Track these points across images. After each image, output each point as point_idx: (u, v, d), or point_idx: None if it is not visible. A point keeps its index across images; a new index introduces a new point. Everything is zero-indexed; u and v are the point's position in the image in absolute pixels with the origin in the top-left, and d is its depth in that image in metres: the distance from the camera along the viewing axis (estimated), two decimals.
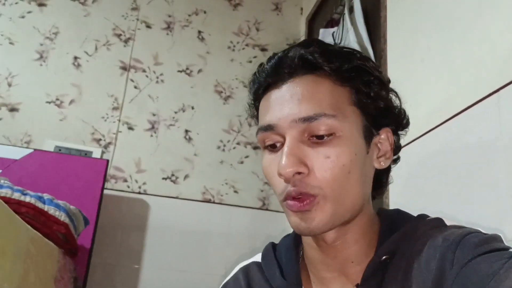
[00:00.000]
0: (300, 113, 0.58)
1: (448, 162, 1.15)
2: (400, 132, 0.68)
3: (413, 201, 1.25)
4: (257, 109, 0.67)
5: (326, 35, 1.97)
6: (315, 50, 0.60)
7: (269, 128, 0.60)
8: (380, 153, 0.63)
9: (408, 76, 1.41)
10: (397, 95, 0.66)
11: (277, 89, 0.61)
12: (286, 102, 0.59)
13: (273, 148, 0.61)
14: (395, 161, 0.69)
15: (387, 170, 0.67)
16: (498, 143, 0.98)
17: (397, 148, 0.67)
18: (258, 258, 0.73)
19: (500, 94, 1.00)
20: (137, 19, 2.44)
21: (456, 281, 0.51)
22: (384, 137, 0.64)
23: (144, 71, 2.37)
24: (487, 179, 1.00)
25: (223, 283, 0.75)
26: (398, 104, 0.66)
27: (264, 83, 0.63)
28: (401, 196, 1.31)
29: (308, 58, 0.60)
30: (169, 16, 2.49)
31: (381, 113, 0.62)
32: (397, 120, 0.66)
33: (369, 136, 0.61)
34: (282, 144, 0.60)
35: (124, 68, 2.34)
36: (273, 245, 0.73)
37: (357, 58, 0.62)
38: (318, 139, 0.58)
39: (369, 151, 0.61)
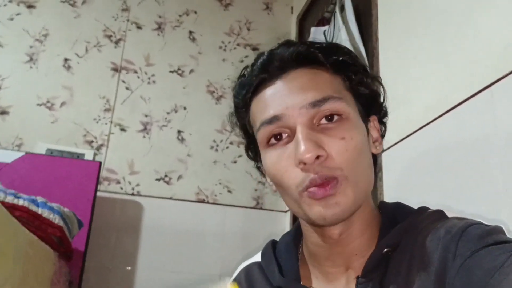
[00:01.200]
0: (307, 99, 0.58)
1: (442, 157, 1.16)
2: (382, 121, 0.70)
3: (408, 197, 1.26)
4: (243, 116, 0.67)
5: (317, 33, 1.97)
6: (307, 46, 0.62)
7: (274, 119, 0.59)
8: (374, 139, 0.66)
9: (401, 74, 1.42)
10: (380, 82, 0.69)
11: (271, 86, 0.61)
12: (288, 93, 0.59)
13: (278, 141, 0.60)
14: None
15: (375, 159, 0.68)
16: (493, 138, 0.99)
17: (382, 136, 0.69)
18: (259, 257, 0.73)
19: (492, 89, 1.01)
20: (128, 20, 2.43)
21: (459, 273, 0.50)
22: (372, 124, 0.66)
23: (135, 72, 2.35)
24: (482, 174, 1.01)
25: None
26: (381, 92, 0.69)
27: (254, 82, 0.63)
28: (396, 192, 1.32)
29: (306, 53, 0.61)
30: (160, 16, 2.48)
31: (368, 99, 0.65)
32: (381, 108, 0.68)
33: (365, 121, 0.64)
34: (289, 136, 0.59)
35: (116, 70, 2.33)
36: (273, 243, 0.73)
37: (343, 50, 0.65)
38: (328, 122, 0.58)
39: (368, 135, 0.64)
